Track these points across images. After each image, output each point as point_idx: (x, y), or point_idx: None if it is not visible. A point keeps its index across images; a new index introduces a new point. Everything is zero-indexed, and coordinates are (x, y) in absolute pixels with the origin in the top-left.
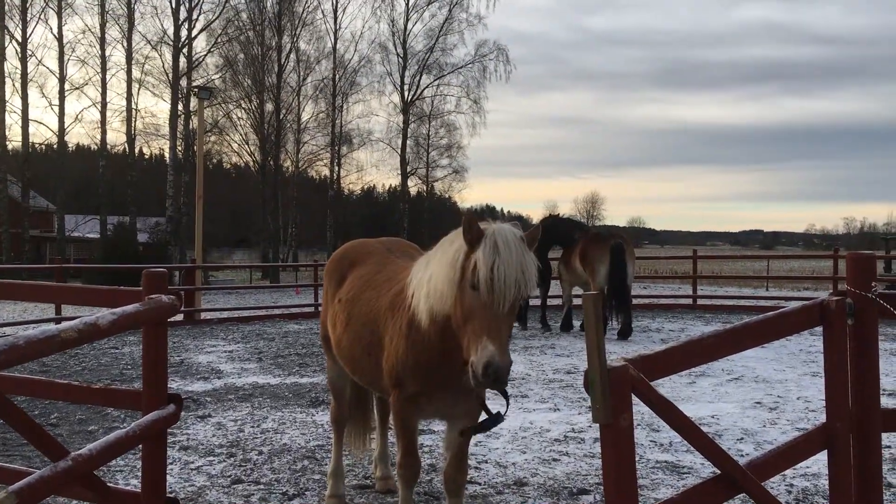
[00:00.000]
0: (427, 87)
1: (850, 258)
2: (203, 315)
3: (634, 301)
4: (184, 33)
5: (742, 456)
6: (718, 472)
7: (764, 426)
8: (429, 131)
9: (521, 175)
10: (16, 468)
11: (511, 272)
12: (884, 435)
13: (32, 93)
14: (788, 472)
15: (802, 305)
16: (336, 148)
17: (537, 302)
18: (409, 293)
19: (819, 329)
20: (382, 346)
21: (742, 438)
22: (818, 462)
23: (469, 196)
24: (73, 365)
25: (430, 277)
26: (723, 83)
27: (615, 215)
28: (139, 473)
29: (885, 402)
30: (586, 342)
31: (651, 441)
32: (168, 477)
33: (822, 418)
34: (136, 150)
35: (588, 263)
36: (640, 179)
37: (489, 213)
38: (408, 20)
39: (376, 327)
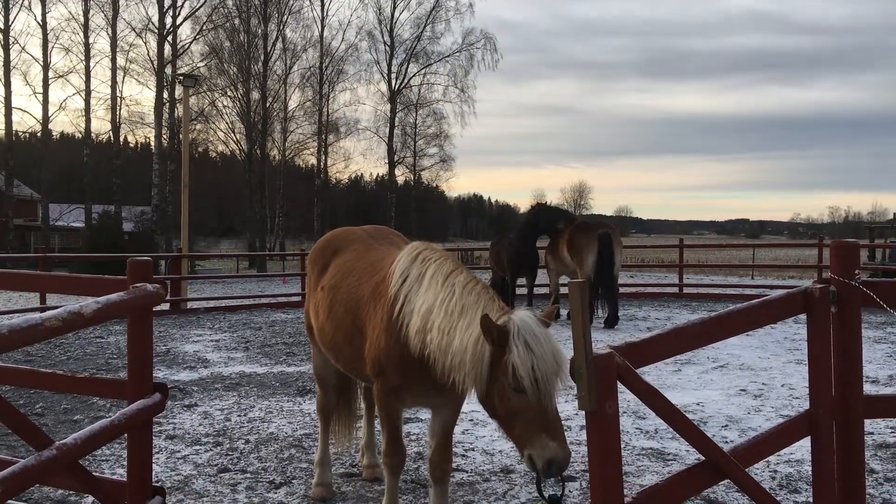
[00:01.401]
0: (414, 75)
1: (834, 246)
2: (189, 304)
3: (621, 290)
4: (169, 21)
5: (727, 443)
6: (703, 458)
7: (748, 413)
8: (416, 120)
9: (509, 164)
10: (0, 458)
11: (551, 366)
12: (866, 421)
13: (16, 81)
14: (772, 458)
15: (786, 293)
16: (323, 136)
17: (524, 291)
18: (391, 289)
19: (804, 317)
20: (364, 335)
21: (727, 425)
22: (802, 448)
23: (457, 185)
24: (57, 354)
25: (424, 311)
26: (708, 72)
27: (602, 204)
28: (125, 463)
29: (868, 389)
30: (572, 330)
31: (637, 428)
32: (154, 466)
33: (806, 405)
34: (121, 139)
35: (576, 252)
36: (627, 169)
37: (477, 202)
38: (395, 8)
39: (358, 315)
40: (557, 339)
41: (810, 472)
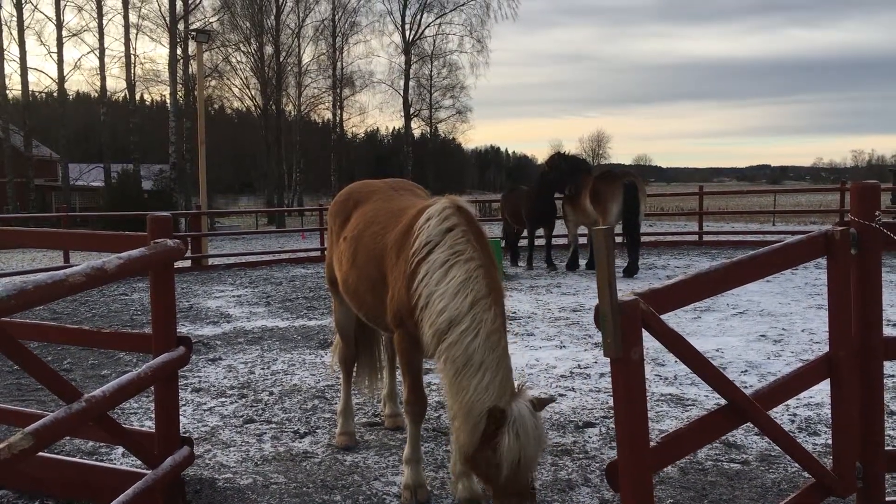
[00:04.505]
0: (428, 25)
1: (855, 188)
2: (210, 261)
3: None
4: None
5: (746, 387)
6: (722, 403)
7: (768, 358)
8: (431, 72)
9: (525, 114)
10: (31, 411)
11: (532, 454)
12: (886, 363)
13: (30, 41)
14: (792, 402)
15: (807, 236)
16: (338, 90)
17: (542, 241)
18: (413, 253)
19: (825, 262)
20: (387, 284)
21: (746, 371)
22: (821, 392)
23: (473, 137)
24: (83, 311)
25: (443, 321)
26: (728, 15)
27: (621, 153)
28: (153, 415)
29: (889, 332)
30: (597, 277)
31: (656, 375)
32: (181, 418)
33: (827, 350)
34: (137, 97)
35: (600, 202)
36: (646, 116)
37: (493, 154)
38: None
39: (381, 264)
40: (576, 288)
41: (830, 415)
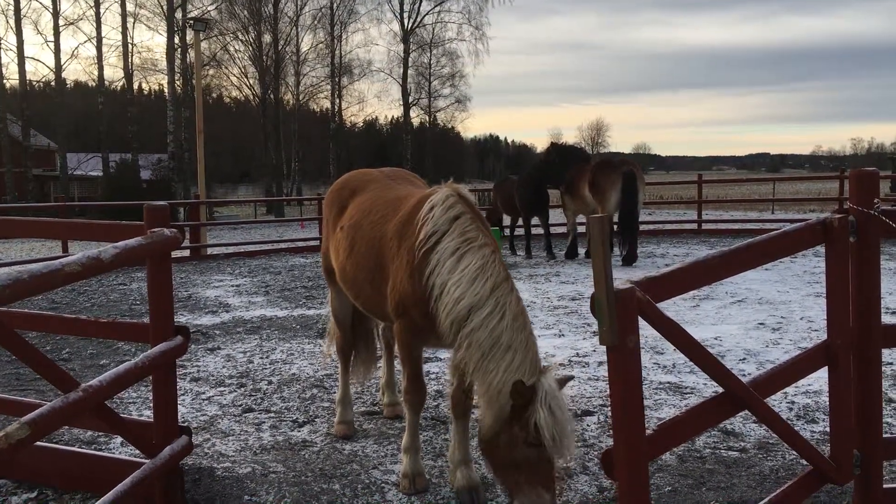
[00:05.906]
0: (427, 13)
1: (853, 175)
2: (209, 250)
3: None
4: None
5: (744, 375)
6: (721, 392)
7: (766, 346)
8: (430, 60)
9: (524, 103)
10: (29, 401)
11: (569, 429)
12: (885, 351)
13: (27, 29)
14: (790, 389)
15: (805, 223)
16: (336, 79)
17: (541, 230)
18: (420, 244)
19: (824, 250)
20: (386, 275)
21: (745, 359)
22: (820, 380)
23: (472, 126)
24: (82, 301)
25: (462, 307)
26: (726, 3)
27: (620, 142)
28: (152, 405)
29: (887, 320)
30: (593, 265)
31: (655, 363)
32: (180, 407)
33: (825, 337)
34: (135, 86)
35: (598, 191)
36: (645, 105)
37: (493, 143)
38: None
39: (381, 253)
40: (575, 277)
41: (828, 403)
